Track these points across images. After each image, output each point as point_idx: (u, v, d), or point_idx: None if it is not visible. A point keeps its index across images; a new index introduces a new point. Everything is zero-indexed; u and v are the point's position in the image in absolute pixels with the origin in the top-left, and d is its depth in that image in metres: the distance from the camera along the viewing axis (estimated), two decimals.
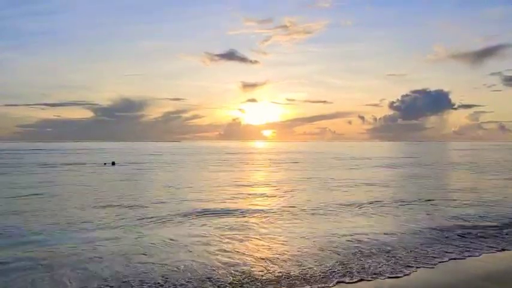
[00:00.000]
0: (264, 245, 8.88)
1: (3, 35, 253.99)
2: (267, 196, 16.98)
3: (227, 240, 9.33)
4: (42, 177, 25.42)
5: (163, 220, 11.54)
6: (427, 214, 12.60)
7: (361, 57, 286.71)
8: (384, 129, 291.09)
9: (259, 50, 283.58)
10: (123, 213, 12.60)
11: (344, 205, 14.15)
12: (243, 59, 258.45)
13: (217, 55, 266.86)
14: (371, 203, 14.65)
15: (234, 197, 16.30)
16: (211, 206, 14.01)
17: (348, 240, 9.20)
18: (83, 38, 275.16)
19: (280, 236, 9.76)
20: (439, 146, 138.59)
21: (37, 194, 17.11)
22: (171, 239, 9.33)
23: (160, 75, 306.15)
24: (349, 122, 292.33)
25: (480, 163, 41.43)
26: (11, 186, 20.29)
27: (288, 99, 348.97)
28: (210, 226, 10.83)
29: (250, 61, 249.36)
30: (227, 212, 12.84)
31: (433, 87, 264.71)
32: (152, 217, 11.93)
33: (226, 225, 10.87)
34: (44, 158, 51.47)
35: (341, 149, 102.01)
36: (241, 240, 9.30)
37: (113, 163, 39.74)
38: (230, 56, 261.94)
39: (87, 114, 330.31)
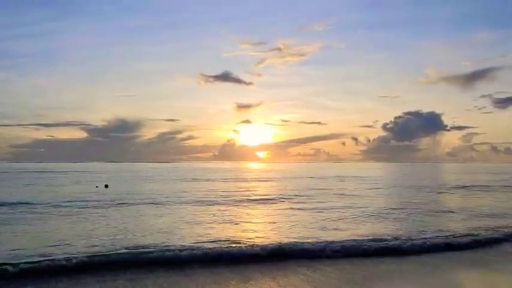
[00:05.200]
0: None
1: None
2: None
3: None
4: None
5: None
6: None
7: (354, 79, 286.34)
8: (378, 151, 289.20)
9: (254, 72, 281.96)
10: None
11: None
12: (237, 81, 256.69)
13: (212, 76, 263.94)
14: None
15: None
16: None
17: None
18: (77, 58, 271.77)
19: None
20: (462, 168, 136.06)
21: None
22: None
23: (155, 96, 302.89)
24: (343, 143, 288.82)
25: None
26: None
27: (283, 121, 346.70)
28: None
29: (245, 83, 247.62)
30: None
31: (425, 109, 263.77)
32: None
33: None
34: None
35: (348, 170, 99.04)
36: None
37: (106, 186, 37.08)
38: (225, 77, 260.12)
39: (81, 134, 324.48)
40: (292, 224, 16.12)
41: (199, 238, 12.70)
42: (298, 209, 21.01)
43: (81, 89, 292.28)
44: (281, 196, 27.52)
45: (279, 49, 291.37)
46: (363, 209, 20.32)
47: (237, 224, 16.28)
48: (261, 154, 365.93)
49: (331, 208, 20.93)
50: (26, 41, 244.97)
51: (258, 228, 15.35)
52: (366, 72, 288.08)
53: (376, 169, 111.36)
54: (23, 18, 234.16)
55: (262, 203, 23.91)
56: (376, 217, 17.80)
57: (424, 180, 52.61)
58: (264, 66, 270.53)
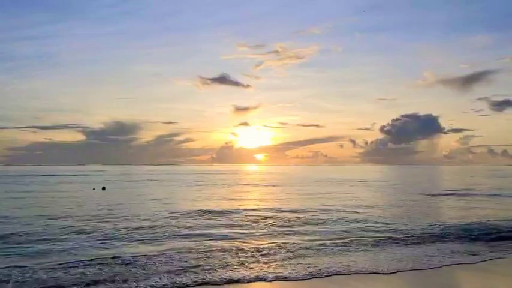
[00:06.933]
0: None
1: None
2: None
3: None
4: None
5: None
6: None
7: (352, 82, 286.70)
8: (375, 153, 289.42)
9: (252, 75, 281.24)
10: None
11: None
12: (235, 83, 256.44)
13: (210, 79, 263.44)
14: None
15: None
16: None
17: None
18: (75, 61, 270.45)
19: None
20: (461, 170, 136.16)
21: None
22: None
23: (153, 98, 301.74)
24: (341, 146, 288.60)
25: None
26: None
27: (280, 123, 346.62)
28: None
29: (243, 85, 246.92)
30: None
31: (422, 111, 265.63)
32: None
33: None
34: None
35: (346, 174, 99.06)
36: None
37: (103, 188, 37.26)
38: (223, 80, 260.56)
39: (79, 137, 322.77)
40: None
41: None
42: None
43: (79, 92, 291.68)
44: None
45: (277, 52, 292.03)
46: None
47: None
48: (259, 156, 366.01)
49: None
50: (24, 43, 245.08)
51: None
52: (363, 75, 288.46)
53: (374, 172, 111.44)
54: (22, 21, 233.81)
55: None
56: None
57: (420, 183, 52.75)
58: (262, 68, 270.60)
